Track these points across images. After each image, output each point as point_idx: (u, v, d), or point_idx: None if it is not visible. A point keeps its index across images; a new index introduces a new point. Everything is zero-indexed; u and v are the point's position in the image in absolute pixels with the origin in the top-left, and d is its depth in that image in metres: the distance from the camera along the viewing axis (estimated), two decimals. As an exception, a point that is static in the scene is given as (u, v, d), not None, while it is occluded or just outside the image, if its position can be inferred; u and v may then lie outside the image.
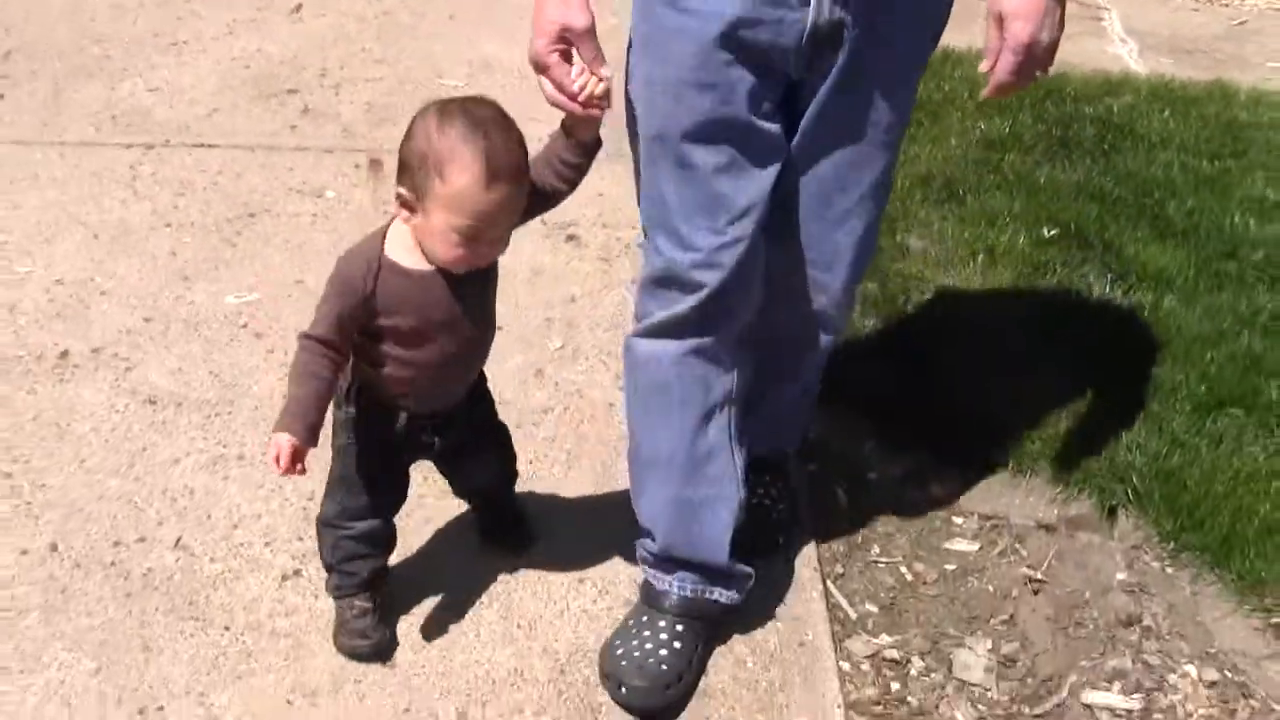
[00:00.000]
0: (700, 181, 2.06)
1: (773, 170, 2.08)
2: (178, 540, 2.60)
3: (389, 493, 2.31)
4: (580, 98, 1.95)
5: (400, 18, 4.86)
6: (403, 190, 1.99)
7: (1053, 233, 3.52)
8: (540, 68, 1.96)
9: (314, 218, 3.64)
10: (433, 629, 2.42)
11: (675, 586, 2.34)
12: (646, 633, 2.34)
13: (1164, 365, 3.05)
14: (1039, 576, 2.61)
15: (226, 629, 2.41)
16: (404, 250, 2.04)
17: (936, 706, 2.37)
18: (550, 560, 2.57)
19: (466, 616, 2.45)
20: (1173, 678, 2.38)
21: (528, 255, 3.40)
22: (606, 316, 3.29)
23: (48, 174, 3.77)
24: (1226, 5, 5.34)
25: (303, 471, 1.99)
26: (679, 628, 2.34)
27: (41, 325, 3.17)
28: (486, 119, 1.96)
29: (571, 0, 1.92)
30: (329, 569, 2.35)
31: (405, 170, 1.98)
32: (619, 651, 2.32)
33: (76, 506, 2.66)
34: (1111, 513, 2.71)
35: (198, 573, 2.54)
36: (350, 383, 2.18)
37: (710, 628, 2.39)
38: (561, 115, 2.03)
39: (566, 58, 1.93)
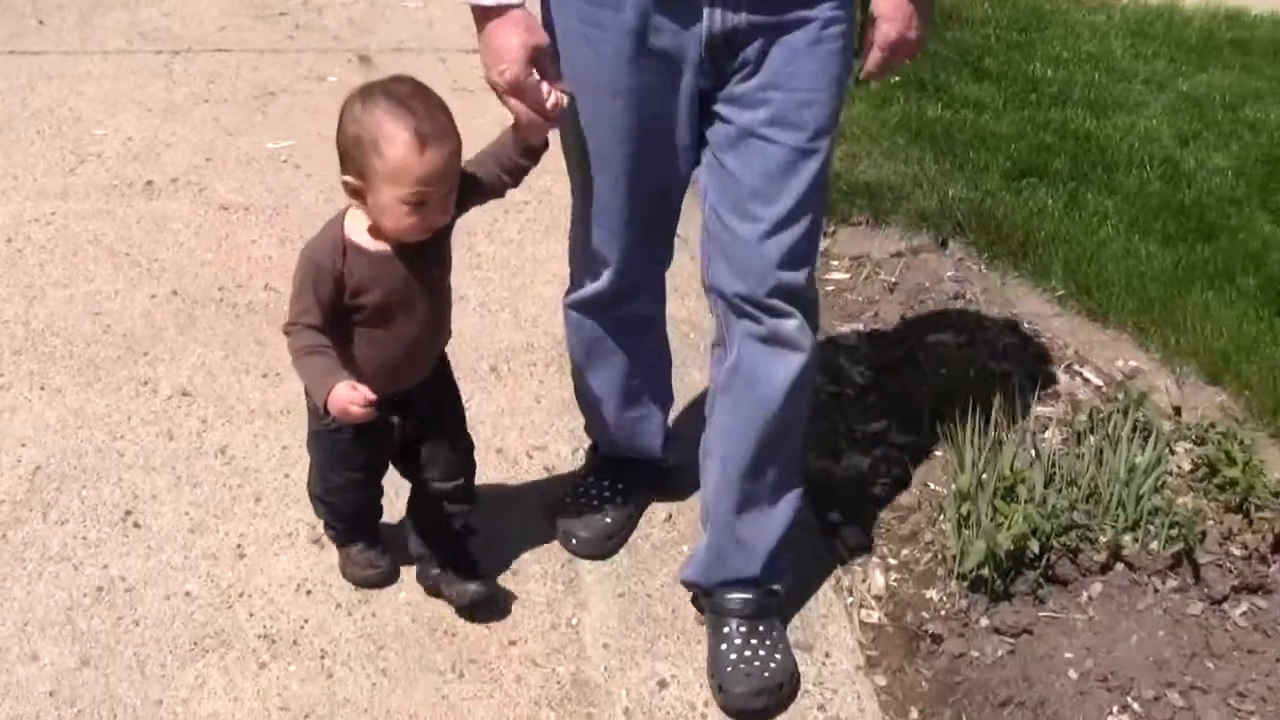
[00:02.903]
0: (614, 178, 2.13)
1: (683, 170, 2.16)
2: (265, 285, 3.43)
3: (359, 474, 2.38)
4: (552, 114, 1.99)
5: (359, -38, 5.70)
6: (348, 179, 2.02)
7: (896, 79, 4.48)
8: (516, 90, 1.95)
9: (322, 95, 4.49)
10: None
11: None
12: (594, 491, 2.61)
13: (980, 152, 4.01)
14: (893, 282, 3.53)
15: (315, 332, 3.25)
16: (362, 232, 2.08)
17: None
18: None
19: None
20: (986, 324, 3.31)
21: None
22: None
23: (98, 72, 4.58)
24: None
25: (373, 404, 2.01)
26: (620, 485, 2.63)
27: (125, 165, 3.99)
28: (405, 93, 2.00)
29: (532, 23, 1.95)
30: (325, 522, 2.53)
31: (345, 159, 2.02)
32: (570, 509, 2.62)
33: (185, 269, 3.50)
34: (944, 243, 3.65)
35: (284, 304, 3.37)
36: None
37: (648, 484, 2.69)
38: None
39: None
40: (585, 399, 2.58)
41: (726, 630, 2.35)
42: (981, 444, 2.76)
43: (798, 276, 2.13)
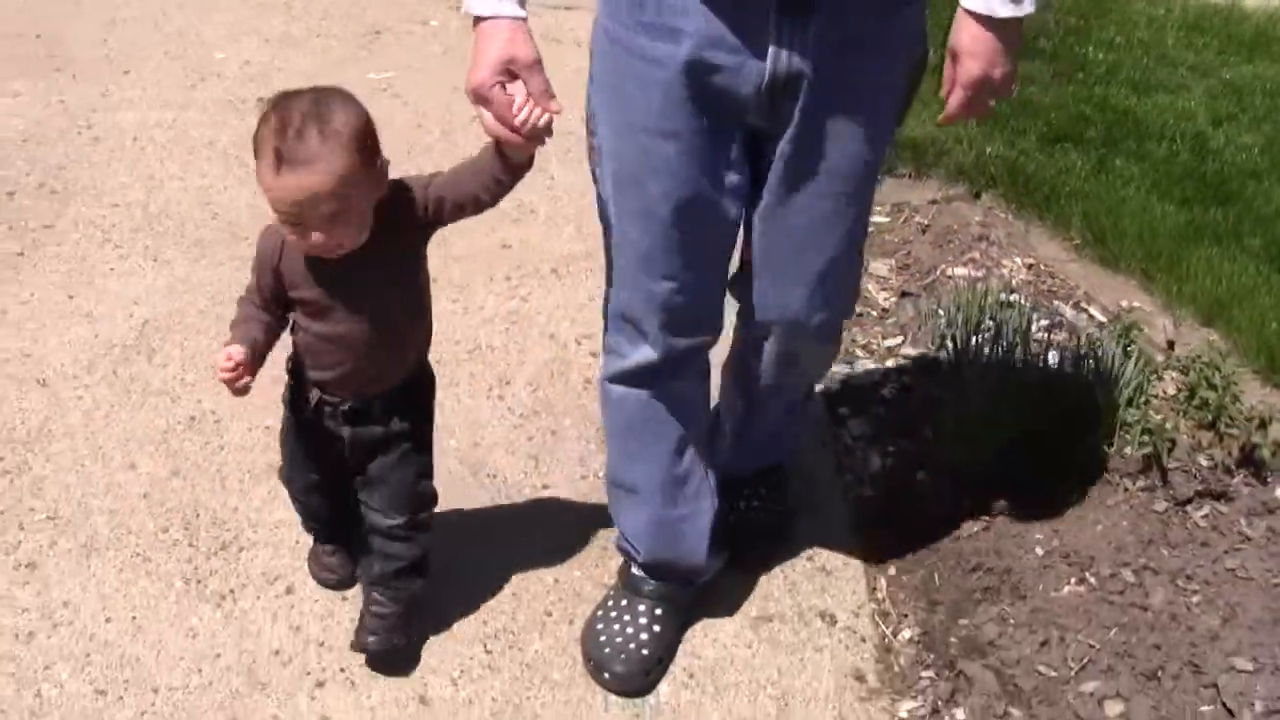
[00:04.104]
0: (662, 228, 1.98)
1: (735, 219, 2.03)
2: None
3: (321, 474, 2.30)
4: (524, 130, 1.85)
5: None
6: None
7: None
8: (481, 100, 1.85)
9: (423, 36, 4.83)
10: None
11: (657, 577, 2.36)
12: (627, 617, 2.32)
13: (1021, 118, 4.25)
14: (926, 224, 3.78)
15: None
16: None
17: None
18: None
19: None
20: (1005, 262, 3.56)
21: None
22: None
23: (224, 4, 4.96)
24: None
25: (242, 386, 2.02)
26: (658, 611, 2.33)
27: (242, 85, 4.35)
28: (301, 109, 1.90)
29: (516, 34, 1.82)
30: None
31: None
32: (601, 638, 2.31)
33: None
34: (978, 194, 3.89)
35: (374, 206, 3.71)
36: (290, 356, 2.21)
37: (686, 607, 2.41)
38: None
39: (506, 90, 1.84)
40: (622, 496, 2.34)
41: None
42: (983, 356, 3.01)
43: (843, 312, 2.20)
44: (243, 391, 2.01)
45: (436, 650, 2.36)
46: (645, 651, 2.30)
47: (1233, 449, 2.86)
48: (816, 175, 1.94)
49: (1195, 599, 2.54)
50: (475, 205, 2.06)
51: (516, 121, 1.84)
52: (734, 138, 1.93)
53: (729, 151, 1.94)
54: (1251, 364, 3.14)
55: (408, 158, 3.89)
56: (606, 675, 2.28)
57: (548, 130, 1.87)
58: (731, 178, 1.97)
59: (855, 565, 2.59)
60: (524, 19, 1.84)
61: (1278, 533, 2.69)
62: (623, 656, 2.28)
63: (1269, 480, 2.82)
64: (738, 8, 1.80)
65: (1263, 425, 2.85)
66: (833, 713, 2.28)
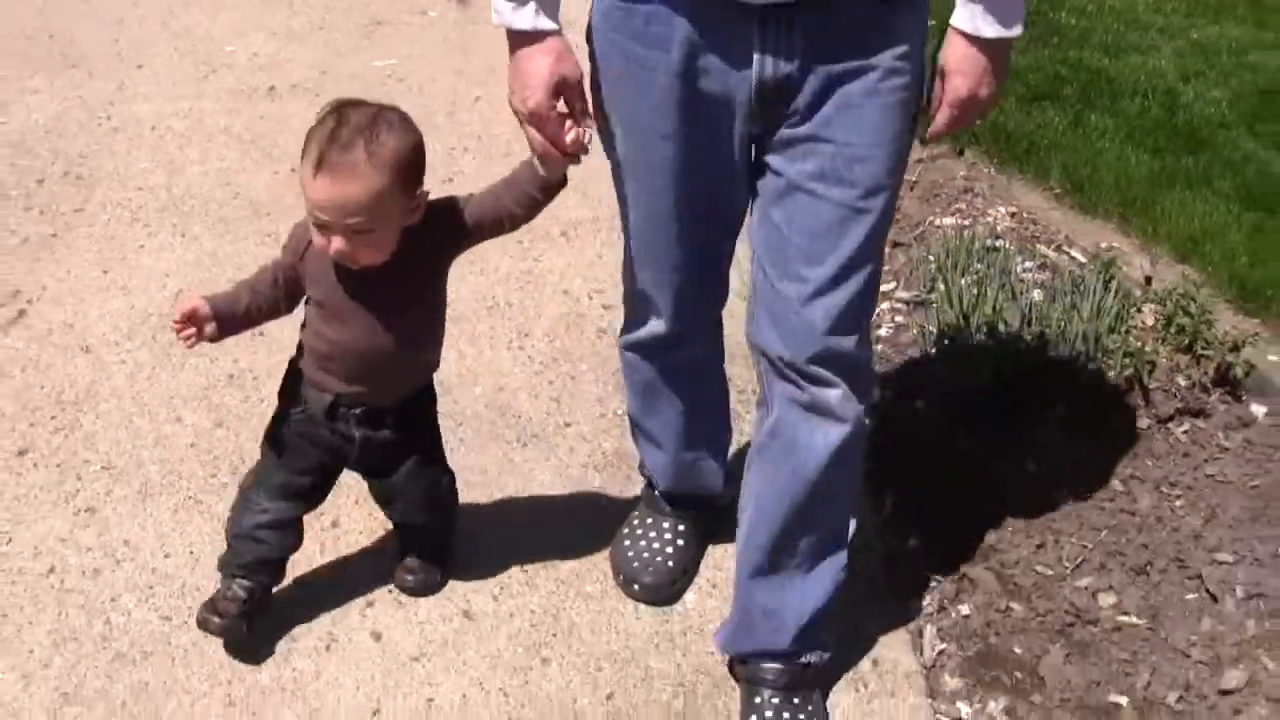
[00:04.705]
0: (666, 220, 2.00)
1: (733, 215, 2.05)
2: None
3: (304, 474, 2.27)
4: (570, 149, 1.90)
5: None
6: None
7: (931, 23, 4.90)
8: (538, 120, 1.87)
9: (422, 26, 5.00)
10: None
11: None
12: (653, 533, 2.46)
13: (1000, 79, 4.44)
14: (913, 180, 3.96)
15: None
16: None
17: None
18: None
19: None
20: (990, 212, 3.73)
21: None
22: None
23: (230, 1, 5.13)
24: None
25: (193, 337, 2.07)
26: (681, 527, 2.48)
27: (252, 74, 4.51)
28: (351, 121, 1.94)
29: (564, 52, 1.86)
30: (227, 541, 2.33)
31: None
32: (630, 553, 2.45)
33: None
34: (961, 151, 4.07)
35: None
36: (298, 351, 2.22)
37: (707, 523, 2.53)
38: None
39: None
40: (643, 438, 2.46)
41: (758, 701, 2.19)
42: (971, 295, 3.19)
43: (845, 342, 1.95)
44: (188, 342, 2.08)
45: (477, 571, 2.51)
46: (671, 564, 2.44)
47: (1209, 370, 3.03)
48: (811, 178, 1.88)
49: (1179, 503, 2.71)
50: (510, 221, 2.10)
51: (567, 140, 1.89)
52: (735, 140, 1.91)
53: (730, 154, 1.93)
54: (1224, 294, 3.32)
55: (416, 136, 4.05)
56: (636, 587, 2.43)
57: (586, 149, 1.92)
58: (732, 180, 1.97)
59: (862, 484, 2.75)
60: (561, 33, 1.87)
61: (1253, 444, 2.86)
62: (650, 569, 2.43)
63: (1243, 398, 2.99)
64: (723, 19, 1.79)
65: (1235, 348, 3.03)
66: (847, 615, 2.44)
